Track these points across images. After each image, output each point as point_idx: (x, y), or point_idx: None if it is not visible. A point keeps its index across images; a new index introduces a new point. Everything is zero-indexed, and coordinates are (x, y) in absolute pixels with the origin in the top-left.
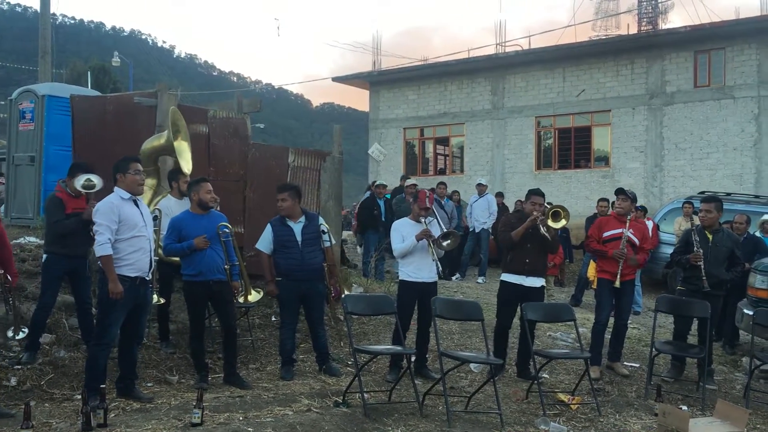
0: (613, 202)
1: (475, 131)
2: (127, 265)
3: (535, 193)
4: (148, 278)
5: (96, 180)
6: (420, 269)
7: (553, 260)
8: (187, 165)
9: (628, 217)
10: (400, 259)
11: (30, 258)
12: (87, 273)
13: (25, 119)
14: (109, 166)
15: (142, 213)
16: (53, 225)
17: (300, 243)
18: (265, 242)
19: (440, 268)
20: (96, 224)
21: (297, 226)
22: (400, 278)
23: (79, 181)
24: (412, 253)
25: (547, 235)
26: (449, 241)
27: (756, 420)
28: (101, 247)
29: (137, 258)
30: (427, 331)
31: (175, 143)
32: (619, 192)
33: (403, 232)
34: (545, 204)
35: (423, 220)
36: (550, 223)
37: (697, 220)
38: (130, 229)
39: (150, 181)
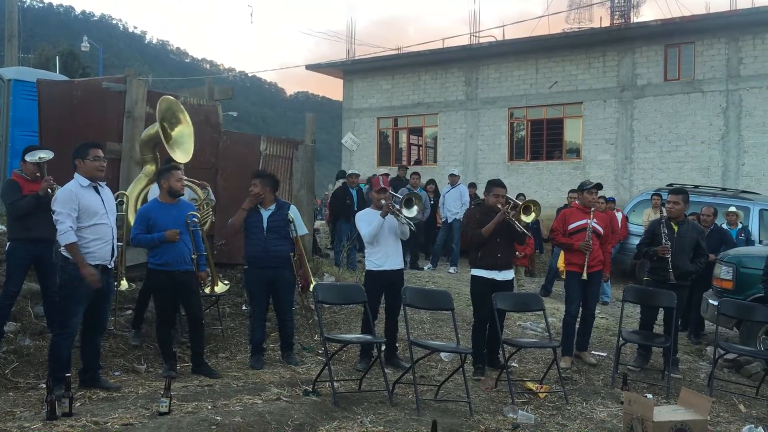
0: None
1: (448, 122)
2: (87, 254)
3: (497, 184)
4: (110, 266)
5: (45, 154)
6: (387, 257)
7: (523, 251)
8: (183, 155)
9: (592, 209)
10: (368, 248)
11: None
12: (53, 260)
13: None
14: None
15: (103, 200)
16: (9, 206)
17: (264, 230)
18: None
19: (413, 227)
20: (56, 213)
21: (266, 213)
22: (366, 269)
23: (32, 156)
24: (380, 241)
25: (524, 230)
26: (415, 207)
27: (719, 408)
28: (64, 236)
29: (98, 246)
30: (396, 321)
31: (174, 132)
32: (598, 186)
33: (366, 218)
34: (508, 197)
35: (383, 203)
36: (522, 217)
37: (665, 212)
38: (90, 217)
39: (149, 168)
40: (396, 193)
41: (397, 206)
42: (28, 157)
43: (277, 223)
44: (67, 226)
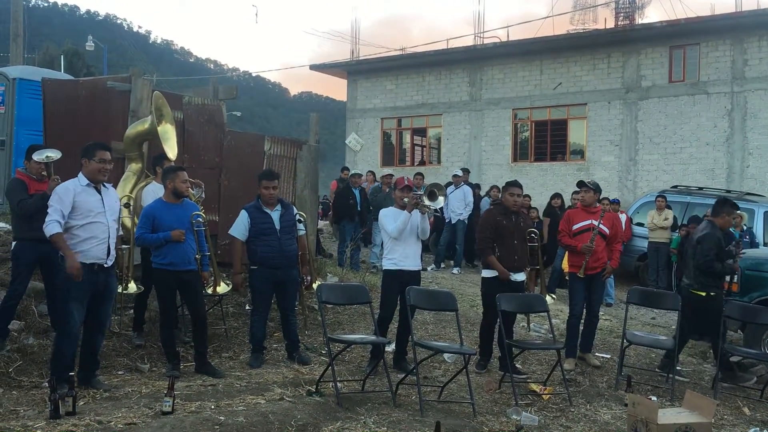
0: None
1: (452, 122)
2: (80, 252)
3: (513, 184)
4: (106, 265)
5: (53, 153)
6: (406, 257)
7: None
8: (172, 151)
9: (603, 212)
10: (387, 248)
11: None
12: (58, 259)
13: None
14: (80, 150)
15: (103, 200)
16: (17, 205)
17: (278, 231)
18: (240, 228)
19: (438, 212)
20: (49, 207)
21: (275, 214)
22: (384, 268)
23: (40, 155)
24: (401, 239)
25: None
26: (439, 197)
27: (723, 411)
28: (48, 227)
29: (92, 245)
30: (410, 324)
31: (159, 128)
32: (581, 185)
33: (392, 215)
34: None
35: (406, 200)
36: (426, 202)
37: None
38: (84, 215)
39: (134, 166)
40: None
41: (421, 201)
42: (35, 156)
43: (288, 223)
44: (53, 218)
